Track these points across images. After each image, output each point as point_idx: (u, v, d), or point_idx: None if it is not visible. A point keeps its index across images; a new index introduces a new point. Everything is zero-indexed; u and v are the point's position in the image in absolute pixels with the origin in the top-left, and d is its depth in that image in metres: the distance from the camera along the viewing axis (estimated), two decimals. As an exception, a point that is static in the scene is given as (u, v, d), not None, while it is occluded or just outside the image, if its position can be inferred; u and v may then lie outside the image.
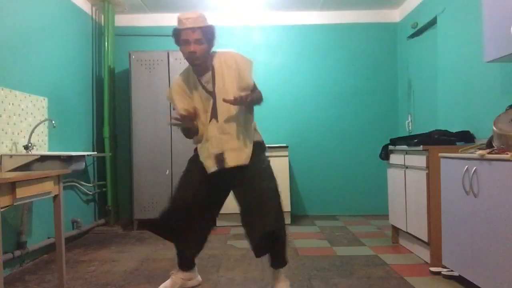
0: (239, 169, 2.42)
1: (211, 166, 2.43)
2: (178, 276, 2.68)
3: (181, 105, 2.48)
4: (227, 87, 2.43)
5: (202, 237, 2.61)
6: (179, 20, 2.39)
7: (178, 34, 2.39)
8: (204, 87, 2.47)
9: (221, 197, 2.59)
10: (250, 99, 2.37)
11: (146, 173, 4.65)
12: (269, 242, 2.40)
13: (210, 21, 2.45)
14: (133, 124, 4.67)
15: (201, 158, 2.49)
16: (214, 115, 2.45)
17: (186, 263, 2.67)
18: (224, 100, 2.35)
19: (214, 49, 2.52)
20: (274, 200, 2.44)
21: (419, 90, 4.78)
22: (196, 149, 2.59)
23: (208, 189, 2.49)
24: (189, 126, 2.46)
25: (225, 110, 2.43)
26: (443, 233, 2.80)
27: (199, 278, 2.79)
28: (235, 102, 2.32)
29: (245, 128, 2.50)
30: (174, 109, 2.56)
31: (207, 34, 2.40)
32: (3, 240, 2.18)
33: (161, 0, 4.84)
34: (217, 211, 2.66)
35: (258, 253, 2.49)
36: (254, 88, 2.51)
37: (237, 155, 2.42)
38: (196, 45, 2.37)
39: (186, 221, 2.49)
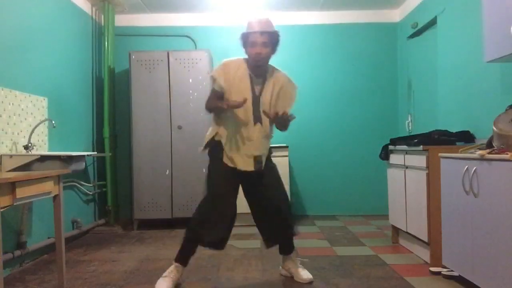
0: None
1: (249, 166, 2.63)
2: (176, 270, 2.71)
3: (221, 83, 2.62)
4: (272, 99, 2.66)
5: (230, 229, 2.74)
6: (249, 24, 2.60)
7: (246, 36, 2.60)
8: (252, 87, 2.65)
9: (237, 192, 2.76)
10: (283, 119, 2.55)
11: (146, 173, 4.65)
12: (284, 232, 2.77)
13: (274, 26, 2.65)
14: (133, 124, 4.67)
15: (233, 154, 2.64)
16: (259, 119, 2.65)
17: (187, 260, 2.77)
18: (264, 113, 2.56)
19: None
20: (283, 194, 2.78)
21: (419, 90, 4.78)
22: (213, 143, 2.70)
23: (234, 188, 2.71)
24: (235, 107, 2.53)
25: (265, 117, 2.61)
26: (443, 233, 2.80)
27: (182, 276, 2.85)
28: (273, 117, 2.54)
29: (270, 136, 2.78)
30: (217, 87, 2.65)
31: (273, 39, 2.60)
32: (3, 240, 2.18)
33: (161, 0, 4.84)
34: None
35: (270, 244, 2.80)
36: (290, 115, 2.60)
37: (264, 159, 2.70)
38: (263, 48, 2.56)
39: (227, 219, 2.67)
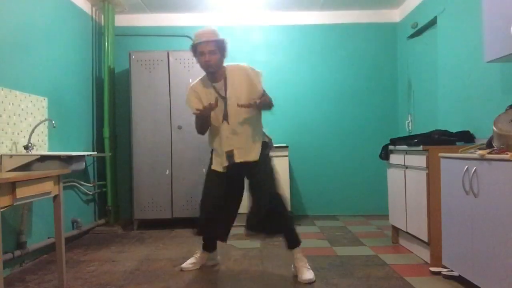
0: (247, 165, 2.86)
1: (223, 162, 2.88)
2: (201, 256, 3.17)
3: (196, 106, 2.84)
4: (238, 93, 2.83)
5: (228, 225, 3.09)
6: (195, 36, 2.85)
7: (195, 48, 2.83)
8: (217, 92, 2.87)
9: (238, 191, 3.05)
10: (261, 104, 2.75)
11: (146, 173, 4.65)
12: (263, 219, 2.83)
13: (221, 35, 2.89)
14: (133, 124, 4.67)
15: (215, 156, 2.96)
16: (225, 117, 2.87)
17: (211, 247, 3.19)
18: (240, 105, 2.71)
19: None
20: (268, 184, 2.86)
21: (419, 90, 4.78)
22: (212, 152, 3.05)
23: (226, 187, 2.94)
24: (207, 116, 2.82)
25: (235, 113, 2.84)
26: (443, 233, 2.80)
27: (218, 258, 3.29)
28: (248, 106, 2.71)
29: (254, 129, 2.90)
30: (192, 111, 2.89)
31: (219, 46, 2.82)
32: (3, 240, 2.19)
33: (161, 0, 4.84)
34: (238, 202, 3.08)
35: (250, 229, 2.92)
36: (264, 95, 2.85)
37: (245, 153, 2.86)
38: (211, 56, 2.78)
39: (217, 220, 2.99)
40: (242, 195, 3.08)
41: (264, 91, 2.87)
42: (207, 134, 3.04)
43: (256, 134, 2.91)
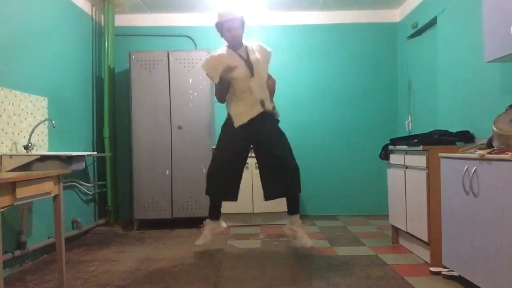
0: (263, 125, 3.41)
1: (254, 111, 3.38)
2: (209, 227, 3.57)
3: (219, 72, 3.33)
4: (257, 56, 3.44)
5: (239, 185, 3.50)
6: (221, 15, 3.42)
7: (221, 25, 3.41)
8: (240, 56, 3.43)
9: (247, 153, 3.50)
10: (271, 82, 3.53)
11: (146, 173, 4.65)
12: (291, 180, 3.38)
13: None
14: (133, 124, 4.67)
15: (241, 110, 3.39)
16: (252, 73, 3.40)
17: (217, 214, 3.58)
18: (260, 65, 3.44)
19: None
20: (287, 151, 3.45)
21: (419, 90, 4.78)
22: (227, 118, 3.49)
23: (240, 149, 3.42)
24: (227, 78, 3.33)
25: (258, 71, 3.41)
26: (443, 233, 2.80)
27: (224, 224, 3.71)
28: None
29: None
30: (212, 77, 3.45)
31: (242, 22, 3.45)
32: (3, 240, 2.19)
33: (161, 0, 4.84)
34: (244, 165, 3.52)
35: (269, 197, 3.42)
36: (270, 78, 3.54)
37: (268, 104, 3.45)
38: (237, 31, 3.42)
39: (230, 180, 3.42)
40: (247, 155, 3.53)
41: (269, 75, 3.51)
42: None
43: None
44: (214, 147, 3.69)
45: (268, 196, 3.43)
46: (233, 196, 3.47)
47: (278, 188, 3.39)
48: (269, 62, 3.53)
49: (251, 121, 3.38)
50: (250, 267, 3.18)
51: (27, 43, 3.45)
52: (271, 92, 3.51)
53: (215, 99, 3.60)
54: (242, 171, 3.49)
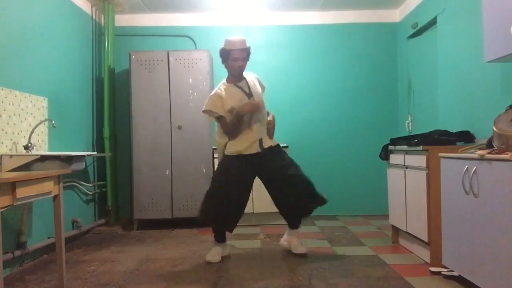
0: (264, 155, 3.32)
1: (256, 148, 3.29)
2: (219, 250, 3.38)
3: (221, 110, 3.29)
4: (257, 90, 3.38)
5: (239, 217, 3.39)
6: (229, 43, 3.29)
7: (228, 53, 3.27)
8: (241, 89, 3.34)
9: (251, 183, 3.39)
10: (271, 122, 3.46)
11: (146, 173, 4.65)
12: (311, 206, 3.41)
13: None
14: (133, 124, 4.67)
15: (241, 147, 3.26)
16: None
17: (223, 238, 3.42)
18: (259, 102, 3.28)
19: None
20: (297, 170, 3.43)
21: (419, 90, 4.78)
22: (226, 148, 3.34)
23: (244, 180, 3.31)
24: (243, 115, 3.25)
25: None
26: (443, 233, 2.80)
27: (228, 248, 3.55)
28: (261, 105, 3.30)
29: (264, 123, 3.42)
30: (215, 116, 3.32)
31: (248, 53, 3.35)
32: (3, 240, 2.18)
33: (161, 0, 4.84)
34: (249, 194, 3.40)
35: (304, 213, 3.47)
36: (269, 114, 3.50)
37: (267, 140, 3.37)
38: (244, 62, 3.32)
39: (236, 213, 3.32)
40: (252, 186, 3.42)
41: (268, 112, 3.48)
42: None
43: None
44: (214, 147, 3.66)
45: (281, 210, 3.51)
46: (232, 229, 3.38)
47: (291, 211, 3.46)
48: (263, 93, 3.48)
49: (252, 155, 3.30)
50: (250, 267, 3.18)
51: (27, 43, 3.45)
52: (272, 128, 3.44)
53: None
54: (247, 202, 3.40)
